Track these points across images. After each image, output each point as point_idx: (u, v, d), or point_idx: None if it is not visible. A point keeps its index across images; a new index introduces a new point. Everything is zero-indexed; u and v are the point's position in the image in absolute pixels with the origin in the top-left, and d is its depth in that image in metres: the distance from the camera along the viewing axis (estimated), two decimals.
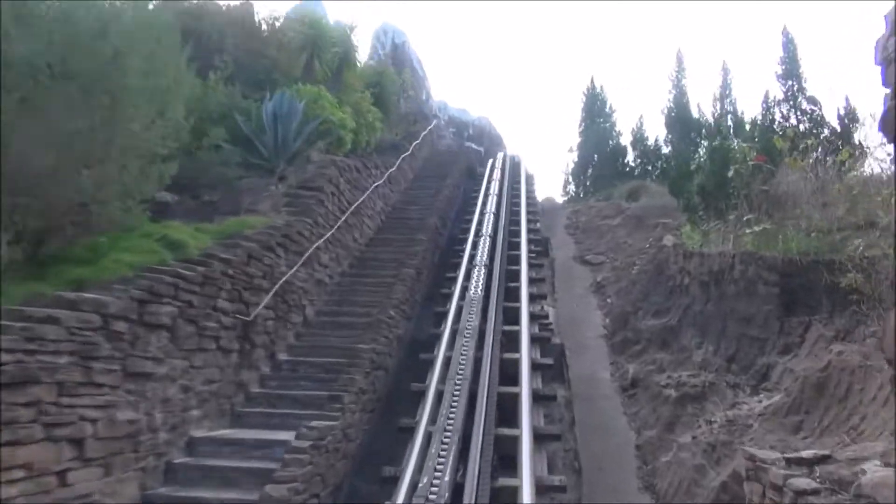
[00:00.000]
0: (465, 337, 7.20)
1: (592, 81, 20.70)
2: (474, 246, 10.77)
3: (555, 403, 7.32)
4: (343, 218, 9.16)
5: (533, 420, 5.89)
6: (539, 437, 5.89)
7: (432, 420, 5.71)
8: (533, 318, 8.54)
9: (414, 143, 14.95)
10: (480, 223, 12.10)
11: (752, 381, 7.22)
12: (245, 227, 6.79)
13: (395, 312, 7.89)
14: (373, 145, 13.33)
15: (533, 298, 9.27)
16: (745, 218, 9.05)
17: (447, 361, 6.78)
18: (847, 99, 12.62)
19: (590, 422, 7.88)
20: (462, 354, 6.81)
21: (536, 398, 6.56)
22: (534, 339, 7.91)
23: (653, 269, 10.43)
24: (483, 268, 9.58)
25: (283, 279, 6.87)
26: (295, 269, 7.22)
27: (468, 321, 7.61)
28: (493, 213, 12.54)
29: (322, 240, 8.24)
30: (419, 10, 60.77)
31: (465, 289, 8.94)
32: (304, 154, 9.33)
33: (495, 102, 65.53)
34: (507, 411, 6.22)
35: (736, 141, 11.38)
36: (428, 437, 5.41)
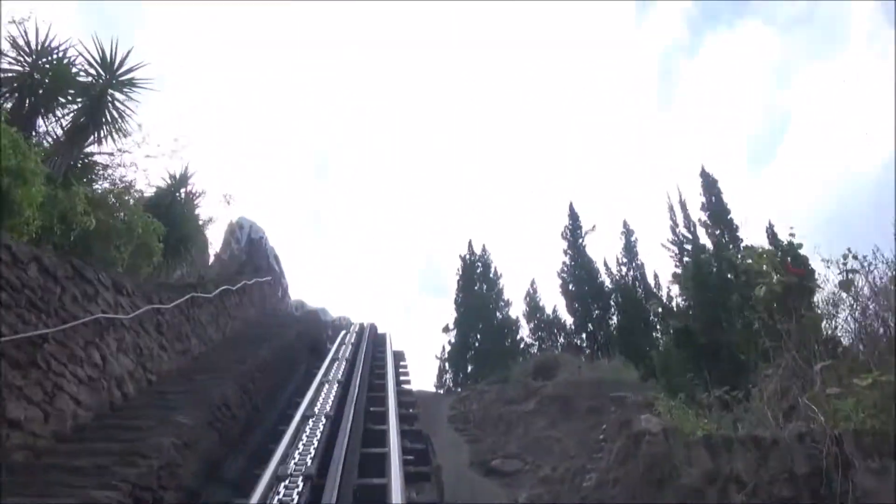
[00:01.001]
0: None
1: (470, 245, 17.26)
2: (296, 437, 5.35)
3: None
4: None
5: None
6: None
7: None
8: None
9: (221, 288, 9.73)
10: (314, 402, 6.79)
11: None
12: None
13: None
14: (143, 273, 8.10)
15: None
16: (817, 367, 4.83)
17: None
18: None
19: None
20: None
21: None
22: None
23: (637, 475, 5.55)
24: (303, 483, 4.16)
25: None
26: None
27: None
28: (340, 382, 7.30)
29: None
30: (279, 209, 57.63)
31: None
32: None
33: (361, 298, 61.10)
34: None
35: (739, 248, 7.67)
36: None
